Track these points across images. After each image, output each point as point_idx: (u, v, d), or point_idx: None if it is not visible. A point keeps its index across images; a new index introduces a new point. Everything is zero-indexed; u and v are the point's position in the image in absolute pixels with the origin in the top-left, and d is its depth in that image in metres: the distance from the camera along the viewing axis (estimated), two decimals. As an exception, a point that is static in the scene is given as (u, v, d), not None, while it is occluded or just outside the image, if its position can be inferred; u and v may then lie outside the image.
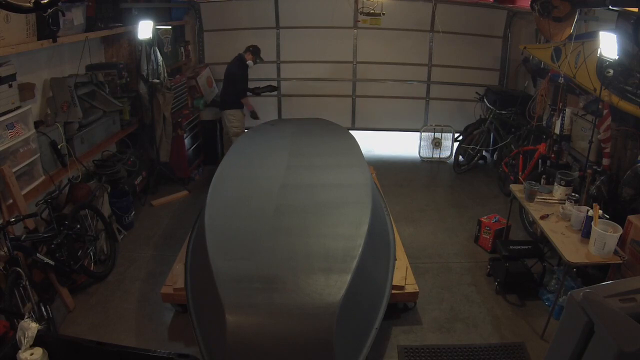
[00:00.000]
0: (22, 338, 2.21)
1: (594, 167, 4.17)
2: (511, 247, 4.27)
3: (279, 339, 2.65)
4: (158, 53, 5.87)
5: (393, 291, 3.61)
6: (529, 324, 3.79)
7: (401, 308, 3.90)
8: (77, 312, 3.87)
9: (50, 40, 3.94)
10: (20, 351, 2.19)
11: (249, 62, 6.47)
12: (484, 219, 4.92)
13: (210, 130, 7.02)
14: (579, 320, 1.96)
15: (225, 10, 7.51)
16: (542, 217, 3.89)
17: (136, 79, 5.77)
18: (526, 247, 4.29)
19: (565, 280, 3.60)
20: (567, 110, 5.08)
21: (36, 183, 4.00)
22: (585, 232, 3.54)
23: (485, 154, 7.19)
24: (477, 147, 6.84)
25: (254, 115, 6.67)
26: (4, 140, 3.59)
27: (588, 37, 4.50)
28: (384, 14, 6.07)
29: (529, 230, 5.07)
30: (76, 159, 4.45)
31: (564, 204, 3.94)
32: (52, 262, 3.60)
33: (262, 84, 6.99)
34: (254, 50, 6.52)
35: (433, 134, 7.52)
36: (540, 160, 5.39)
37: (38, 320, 3.03)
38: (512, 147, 6.21)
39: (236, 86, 6.47)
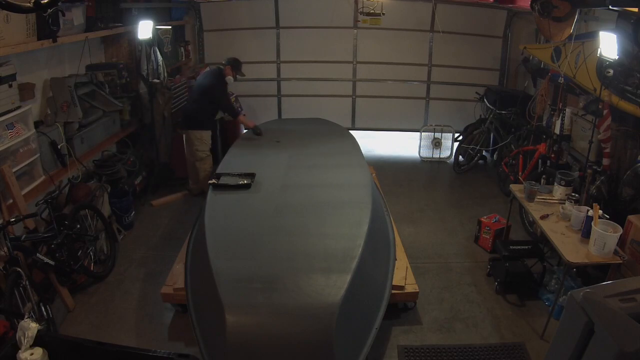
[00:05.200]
0: (22, 338, 2.21)
1: (594, 167, 4.16)
2: (511, 247, 4.27)
3: (279, 339, 2.65)
4: (158, 53, 5.87)
5: (393, 291, 3.60)
6: (529, 324, 3.79)
7: (401, 308, 3.89)
8: (77, 312, 3.87)
9: (50, 40, 3.94)
10: (20, 351, 2.20)
11: (229, 79, 5.54)
12: (484, 219, 4.92)
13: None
14: (579, 320, 1.97)
15: (225, 10, 7.52)
16: (542, 217, 3.89)
17: (136, 79, 5.77)
18: (526, 247, 4.29)
19: (565, 280, 3.60)
20: (567, 110, 5.08)
21: (36, 183, 4.01)
22: (585, 232, 3.54)
23: (485, 154, 7.18)
24: (477, 147, 6.84)
25: (258, 131, 5.70)
26: (4, 140, 3.60)
27: (588, 37, 4.50)
28: (384, 14, 6.07)
29: (529, 230, 5.06)
30: (76, 159, 4.45)
31: (564, 204, 3.94)
32: (52, 262, 3.60)
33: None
34: (235, 64, 5.59)
35: (433, 134, 7.51)
36: (540, 160, 5.39)
37: (38, 320, 3.03)
38: (512, 147, 6.21)
39: (213, 103, 5.62)
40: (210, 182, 4.14)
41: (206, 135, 5.66)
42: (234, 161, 4.70)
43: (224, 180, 4.14)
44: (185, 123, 5.74)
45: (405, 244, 4.51)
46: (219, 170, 4.39)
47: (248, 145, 5.33)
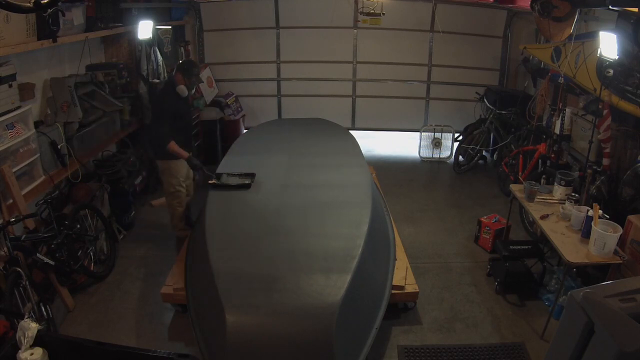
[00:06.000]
0: (22, 338, 2.21)
1: (594, 167, 4.16)
2: (511, 247, 4.27)
3: (279, 339, 2.65)
4: (158, 53, 5.87)
5: (393, 291, 3.61)
6: (529, 324, 3.79)
7: (401, 308, 3.89)
8: (77, 312, 3.87)
9: (50, 40, 3.93)
10: (20, 351, 2.19)
11: (180, 88, 4.29)
12: (484, 219, 4.92)
13: (210, 130, 7.01)
14: (579, 320, 1.97)
15: (225, 10, 7.52)
16: (542, 217, 3.89)
17: (136, 79, 5.77)
18: (526, 247, 4.29)
19: (565, 280, 3.60)
20: (567, 110, 5.08)
21: (36, 183, 4.00)
22: (585, 232, 3.54)
23: (485, 154, 7.18)
24: (477, 147, 6.84)
25: (196, 168, 4.43)
26: (4, 140, 3.59)
27: (588, 37, 4.50)
28: (384, 14, 6.07)
29: (529, 230, 5.06)
30: (76, 159, 4.45)
31: (564, 204, 3.94)
32: (52, 262, 3.60)
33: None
34: (186, 70, 4.34)
35: (433, 134, 7.51)
36: (540, 160, 5.39)
37: (38, 320, 3.02)
38: (512, 147, 6.21)
39: (158, 125, 4.27)
40: (210, 182, 4.13)
41: (174, 165, 4.43)
42: (234, 161, 4.70)
43: (224, 180, 4.15)
44: (151, 150, 4.70)
45: (405, 244, 4.50)
46: (219, 170, 4.39)
47: (248, 145, 5.33)
